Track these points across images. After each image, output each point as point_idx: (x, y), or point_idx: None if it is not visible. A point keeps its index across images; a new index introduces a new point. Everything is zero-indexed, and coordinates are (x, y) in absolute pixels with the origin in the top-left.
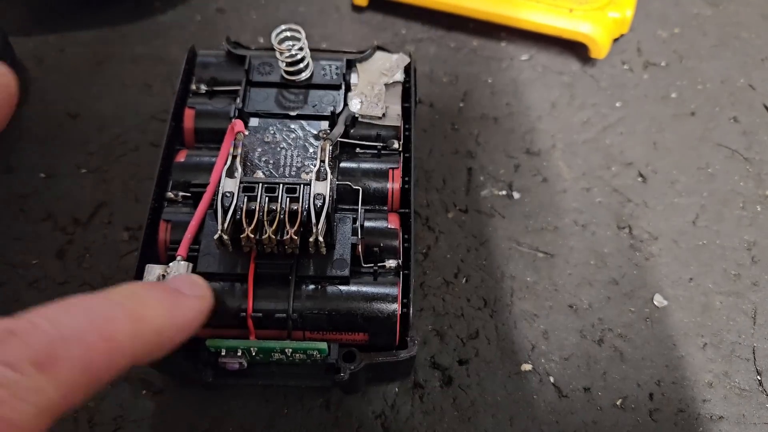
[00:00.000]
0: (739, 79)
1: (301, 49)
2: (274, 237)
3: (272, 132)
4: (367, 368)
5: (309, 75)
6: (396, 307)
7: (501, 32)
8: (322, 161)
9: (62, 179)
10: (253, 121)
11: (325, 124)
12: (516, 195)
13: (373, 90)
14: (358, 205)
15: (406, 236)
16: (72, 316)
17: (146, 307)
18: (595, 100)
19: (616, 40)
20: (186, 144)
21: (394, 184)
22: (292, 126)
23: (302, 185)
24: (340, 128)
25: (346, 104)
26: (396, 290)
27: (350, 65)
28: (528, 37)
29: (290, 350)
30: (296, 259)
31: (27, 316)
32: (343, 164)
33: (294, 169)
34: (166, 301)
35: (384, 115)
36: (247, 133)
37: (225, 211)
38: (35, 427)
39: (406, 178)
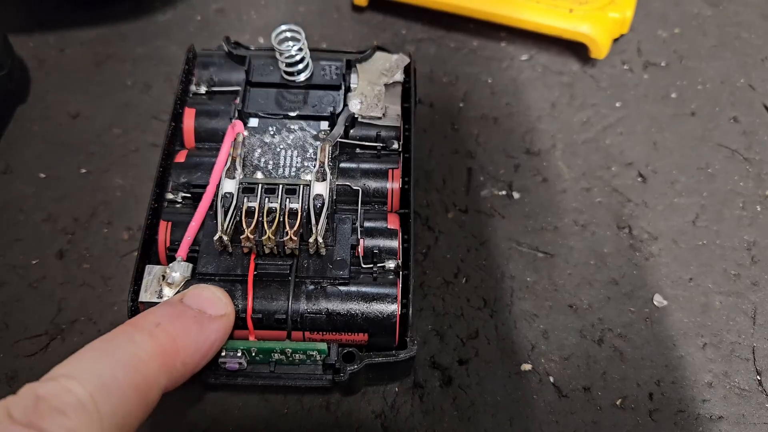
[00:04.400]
0: (739, 79)
1: (300, 49)
2: (273, 237)
3: (272, 132)
4: (367, 368)
5: (309, 75)
6: (396, 307)
7: (501, 32)
8: (322, 162)
9: (62, 179)
10: (253, 122)
11: (324, 125)
12: (516, 195)
13: (373, 90)
14: (357, 205)
15: (405, 236)
16: (100, 368)
17: (173, 340)
18: (595, 100)
19: (616, 40)
20: (186, 144)
21: (393, 185)
22: (292, 126)
23: (302, 186)
24: (339, 129)
25: (345, 104)
26: (396, 290)
27: (350, 65)
28: (528, 37)
29: (290, 351)
30: (296, 260)
31: (55, 374)
32: (342, 164)
33: (293, 169)
34: (192, 329)
35: (384, 115)
36: (246, 133)
37: (225, 212)
38: None
39: (406, 179)
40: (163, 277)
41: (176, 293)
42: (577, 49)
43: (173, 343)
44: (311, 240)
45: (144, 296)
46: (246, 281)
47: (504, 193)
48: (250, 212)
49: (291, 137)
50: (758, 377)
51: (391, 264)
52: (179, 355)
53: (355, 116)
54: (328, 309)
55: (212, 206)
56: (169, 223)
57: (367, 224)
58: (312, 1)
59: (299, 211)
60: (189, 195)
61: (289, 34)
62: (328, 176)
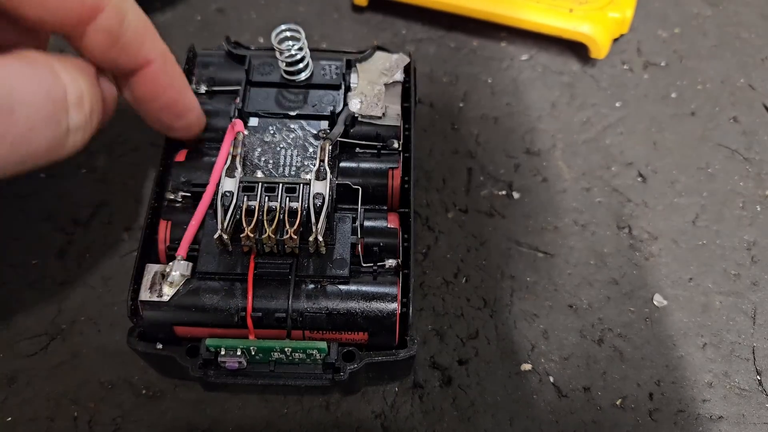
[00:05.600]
0: (739, 79)
1: (300, 49)
2: (273, 236)
3: (272, 132)
4: (367, 368)
5: (309, 75)
6: (395, 306)
7: (501, 32)
8: (322, 161)
9: (62, 179)
10: (253, 121)
11: (324, 124)
12: (516, 195)
13: (373, 90)
14: (357, 204)
15: (405, 236)
16: None
17: None
18: (595, 100)
19: (616, 40)
20: (186, 144)
21: (393, 184)
22: (292, 126)
23: (302, 185)
24: (339, 128)
25: (345, 104)
26: (395, 290)
27: (350, 65)
28: (528, 37)
29: (290, 350)
30: (296, 259)
31: None
32: (342, 164)
33: (294, 168)
34: None
35: (384, 115)
36: (246, 132)
37: (225, 211)
38: None
39: (406, 178)
40: (163, 276)
41: (176, 292)
42: (577, 49)
43: None
44: (311, 239)
45: (144, 295)
46: (246, 280)
47: (504, 193)
48: (250, 211)
49: (291, 136)
50: (758, 377)
51: (391, 263)
52: None
53: (355, 115)
54: (328, 308)
55: (212, 205)
56: (169, 222)
57: (367, 223)
58: (312, 1)
59: (299, 209)
60: (189, 194)
61: (289, 34)
62: (328, 175)
